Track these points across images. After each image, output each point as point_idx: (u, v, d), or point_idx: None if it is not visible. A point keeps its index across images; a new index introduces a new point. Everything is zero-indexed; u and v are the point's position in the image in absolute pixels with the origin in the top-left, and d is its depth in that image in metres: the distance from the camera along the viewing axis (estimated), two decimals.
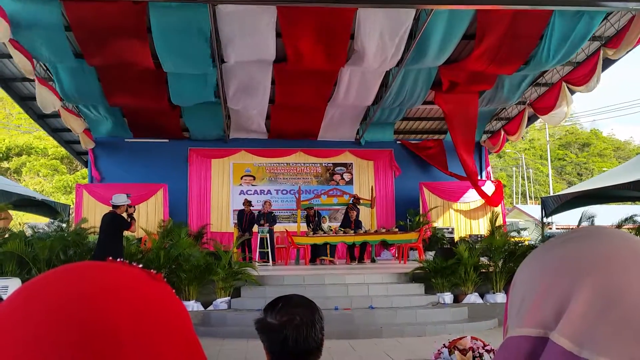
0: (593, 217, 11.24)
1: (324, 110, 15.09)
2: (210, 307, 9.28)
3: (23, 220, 20.46)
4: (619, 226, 10.21)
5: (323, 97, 14.11)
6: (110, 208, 8.98)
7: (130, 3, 9.80)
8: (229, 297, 9.42)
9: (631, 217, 10.83)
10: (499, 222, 12.46)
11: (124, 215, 8.76)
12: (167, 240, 10.37)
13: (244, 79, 12.87)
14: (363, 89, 13.53)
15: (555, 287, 0.56)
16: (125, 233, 9.10)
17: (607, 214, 13.33)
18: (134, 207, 9.33)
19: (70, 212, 16.09)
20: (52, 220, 11.65)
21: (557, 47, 11.21)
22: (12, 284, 7.73)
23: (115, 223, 8.57)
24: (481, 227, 16.68)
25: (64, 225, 10.99)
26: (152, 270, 0.56)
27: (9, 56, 10.85)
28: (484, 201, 16.64)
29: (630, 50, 10.99)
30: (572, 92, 13.30)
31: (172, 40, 10.66)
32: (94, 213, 14.27)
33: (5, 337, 0.47)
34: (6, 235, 9.90)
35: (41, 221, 18.05)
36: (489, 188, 16.73)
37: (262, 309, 1.74)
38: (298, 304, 1.73)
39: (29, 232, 10.51)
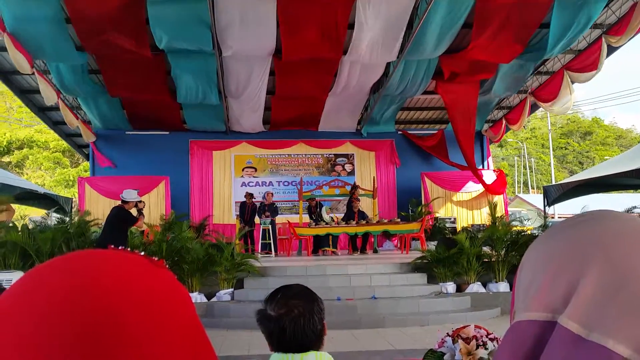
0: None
1: (324, 101, 15.05)
2: (214, 299, 9.31)
3: (25, 214, 20.52)
4: None
5: (323, 88, 14.07)
6: (119, 202, 8.97)
7: None
8: (232, 289, 9.44)
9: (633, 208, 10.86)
10: (501, 211, 12.47)
11: (133, 210, 8.75)
12: (170, 232, 10.39)
13: (242, 71, 12.87)
14: (363, 79, 13.49)
15: (563, 270, 0.56)
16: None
17: (610, 203, 13.32)
18: (143, 202, 9.31)
19: (73, 205, 16.12)
20: (48, 212, 11.66)
21: (558, 36, 11.16)
22: (16, 277, 7.76)
23: (121, 217, 8.56)
24: (483, 216, 16.66)
25: (67, 218, 11.01)
26: (153, 257, 0.56)
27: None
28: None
29: (632, 37, 10.93)
30: (572, 82, 13.25)
31: (172, 29, 10.62)
32: (96, 206, 14.30)
33: (9, 327, 0.47)
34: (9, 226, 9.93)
35: (44, 215, 18.08)
36: (490, 177, 16.71)
37: (263, 300, 1.75)
38: (297, 295, 1.73)
39: (31, 225, 10.52)
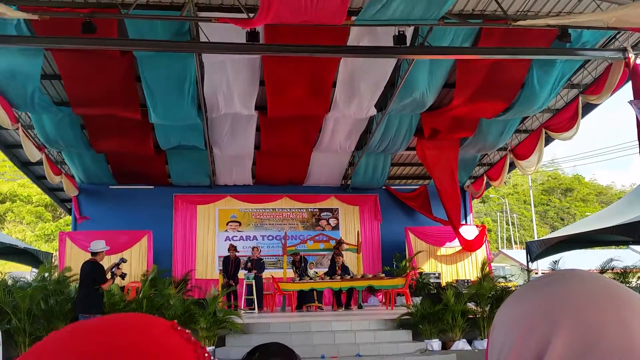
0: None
1: (309, 156, 15.18)
2: None
3: (5, 269, 20.03)
4: (602, 271, 10.38)
5: (308, 143, 14.21)
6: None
7: (119, 53, 9.96)
8: (214, 347, 9.23)
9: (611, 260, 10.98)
10: (485, 268, 12.48)
11: (105, 262, 8.53)
12: (152, 290, 10.18)
13: (227, 128, 12.99)
14: (347, 135, 13.68)
15: (534, 331, 0.57)
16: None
17: (592, 259, 13.36)
18: (123, 272, 8.87)
19: (53, 260, 15.83)
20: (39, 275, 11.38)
21: (537, 94, 11.48)
22: None
23: (93, 274, 8.30)
24: (467, 271, 16.64)
25: (46, 274, 10.76)
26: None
27: None
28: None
29: (610, 96, 11.25)
30: (551, 140, 13.54)
31: (160, 89, 10.75)
32: (76, 261, 14.03)
33: None
34: None
35: (24, 270, 17.69)
36: (472, 232, 16.78)
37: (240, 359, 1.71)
38: (275, 354, 1.68)
39: (10, 282, 10.27)
